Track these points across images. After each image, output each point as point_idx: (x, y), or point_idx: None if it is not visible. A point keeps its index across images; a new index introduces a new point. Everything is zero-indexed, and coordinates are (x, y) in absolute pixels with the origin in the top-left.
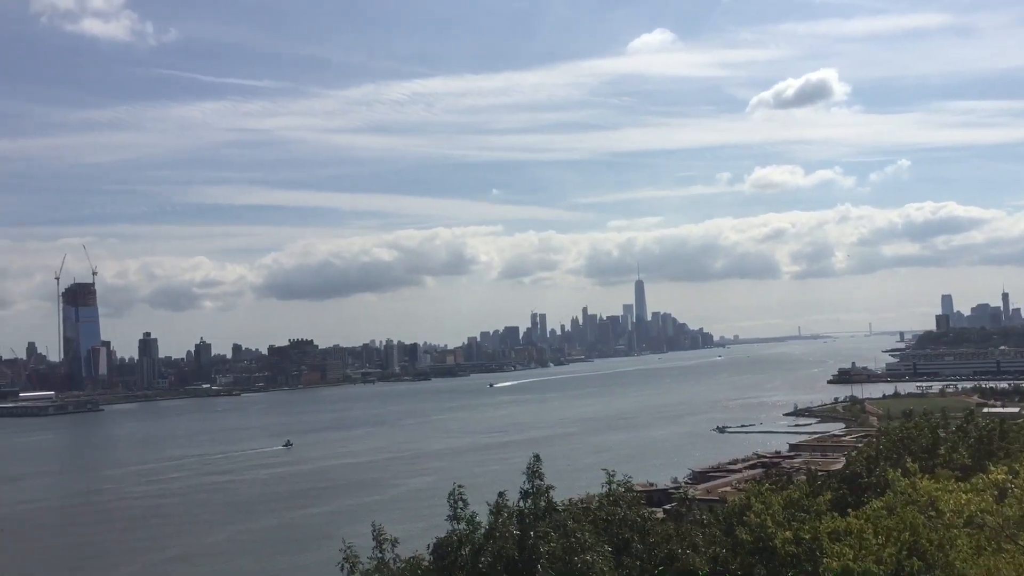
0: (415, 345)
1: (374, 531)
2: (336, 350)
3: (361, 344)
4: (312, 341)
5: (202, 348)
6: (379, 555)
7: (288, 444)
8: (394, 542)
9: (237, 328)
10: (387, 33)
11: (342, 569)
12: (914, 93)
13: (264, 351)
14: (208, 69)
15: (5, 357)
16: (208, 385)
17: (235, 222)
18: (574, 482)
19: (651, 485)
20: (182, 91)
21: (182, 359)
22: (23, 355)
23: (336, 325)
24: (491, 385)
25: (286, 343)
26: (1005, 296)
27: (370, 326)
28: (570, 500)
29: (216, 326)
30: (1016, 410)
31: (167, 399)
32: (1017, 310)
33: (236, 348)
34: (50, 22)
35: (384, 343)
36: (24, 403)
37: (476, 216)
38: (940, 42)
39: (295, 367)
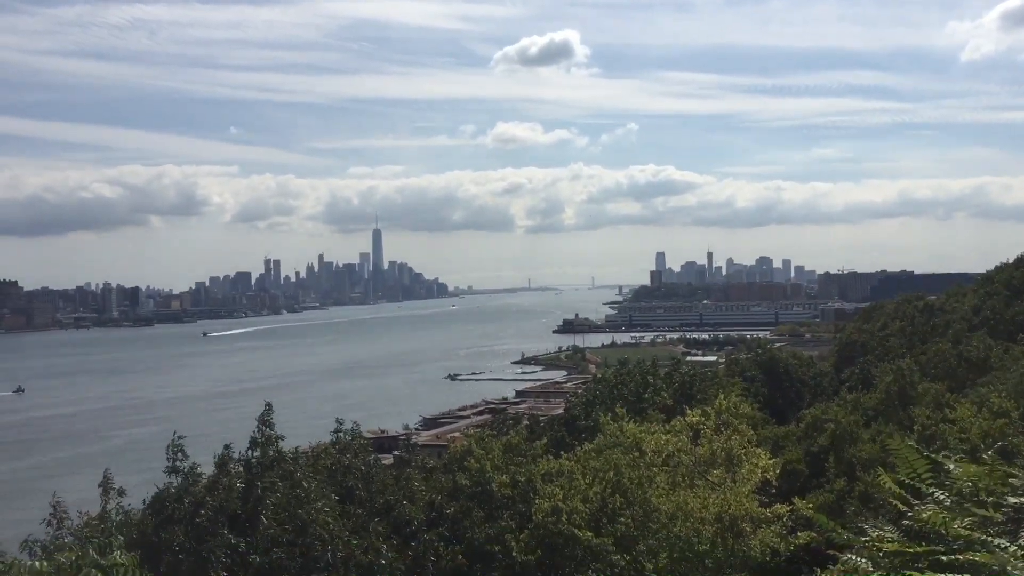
0: (136, 289)
1: (104, 480)
2: (45, 292)
3: (75, 287)
4: (16, 282)
5: None
6: (105, 503)
7: (20, 390)
8: (121, 492)
9: None
10: None
11: (49, 525)
12: (639, 61)
13: None
14: None
15: None
16: None
17: None
18: (307, 431)
19: (382, 432)
20: None
21: None
22: None
23: (47, 265)
24: (205, 334)
25: None
26: (709, 255)
27: (87, 268)
28: (296, 449)
29: None
30: (714, 359)
31: None
32: (719, 268)
33: None
34: None
35: (101, 286)
36: None
37: (210, 155)
38: (661, 14)
39: None
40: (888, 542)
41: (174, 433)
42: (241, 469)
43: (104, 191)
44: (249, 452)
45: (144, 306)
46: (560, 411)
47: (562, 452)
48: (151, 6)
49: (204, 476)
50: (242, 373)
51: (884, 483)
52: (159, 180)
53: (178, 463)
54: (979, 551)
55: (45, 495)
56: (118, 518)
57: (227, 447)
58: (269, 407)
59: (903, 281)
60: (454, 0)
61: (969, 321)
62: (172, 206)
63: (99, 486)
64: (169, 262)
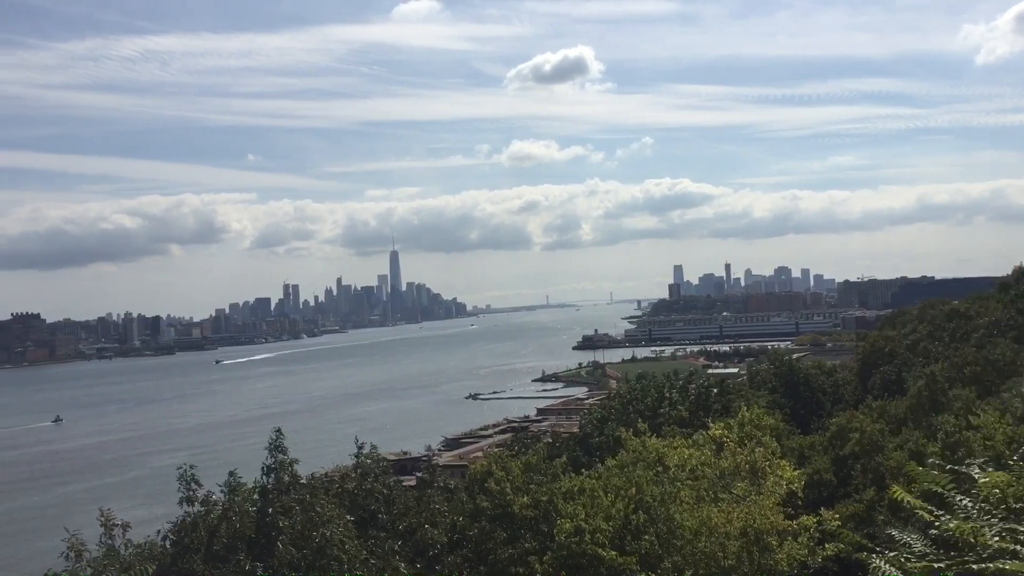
0: (157, 318)
1: (101, 517)
2: (67, 324)
3: (97, 318)
4: (39, 315)
5: None
6: (108, 541)
7: (58, 419)
8: (125, 527)
9: None
10: None
11: (67, 559)
12: (651, 75)
13: None
14: None
15: None
16: None
17: None
18: (330, 454)
19: (404, 454)
20: None
21: None
22: None
23: (69, 297)
24: (217, 362)
25: (8, 317)
26: (728, 267)
27: (109, 298)
28: (312, 474)
29: None
30: (735, 370)
31: None
32: (737, 279)
33: None
34: None
35: (123, 316)
36: None
37: (228, 183)
38: (667, 28)
39: (18, 343)
40: (916, 552)
41: (178, 466)
42: (256, 496)
43: (124, 222)
44: (264, 478)
45: (165, 335)
46: None
47: (582, 470)
48: (162, 37)
49: (220, 504)
50: (266, 398)
51: (902, 498)
52: (178, 209)
53: (192, 492)
54: (1009, 560)
55: (73, 526)
56: (129, 551)
57: (232, 473)
58: (279, 432)
59: (924, 287)
60: (461, 22)
61: (998, 325)
62: (192, 234)
63: (101, 524)
64: (189, 290)
